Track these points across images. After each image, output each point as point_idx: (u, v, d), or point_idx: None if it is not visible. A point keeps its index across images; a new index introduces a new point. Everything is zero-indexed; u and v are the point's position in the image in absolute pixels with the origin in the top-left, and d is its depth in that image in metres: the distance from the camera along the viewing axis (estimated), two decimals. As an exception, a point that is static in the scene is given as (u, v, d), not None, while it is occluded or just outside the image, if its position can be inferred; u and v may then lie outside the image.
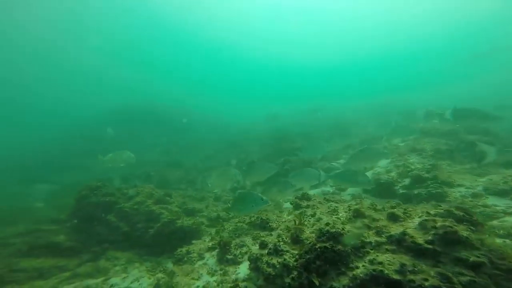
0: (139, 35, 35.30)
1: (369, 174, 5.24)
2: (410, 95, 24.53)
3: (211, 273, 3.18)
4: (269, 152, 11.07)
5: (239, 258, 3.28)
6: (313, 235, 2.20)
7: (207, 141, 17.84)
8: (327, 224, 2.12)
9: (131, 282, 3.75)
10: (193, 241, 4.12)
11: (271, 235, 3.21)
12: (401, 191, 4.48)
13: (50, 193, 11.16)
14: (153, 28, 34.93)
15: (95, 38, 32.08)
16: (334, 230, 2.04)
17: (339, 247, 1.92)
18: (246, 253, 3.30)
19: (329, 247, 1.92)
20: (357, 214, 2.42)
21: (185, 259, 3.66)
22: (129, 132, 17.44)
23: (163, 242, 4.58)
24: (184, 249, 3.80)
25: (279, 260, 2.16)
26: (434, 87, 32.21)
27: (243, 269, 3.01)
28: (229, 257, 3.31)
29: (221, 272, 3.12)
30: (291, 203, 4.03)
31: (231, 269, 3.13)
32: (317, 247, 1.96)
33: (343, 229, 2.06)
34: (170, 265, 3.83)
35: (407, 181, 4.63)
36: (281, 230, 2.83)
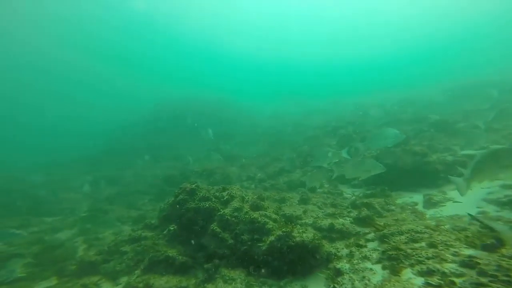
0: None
1: None
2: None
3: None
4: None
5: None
6: None
7: (252, 137, 17.66)
8: None
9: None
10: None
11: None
12: None
13: (117, 193, 11.83)
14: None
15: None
16: None
17: None
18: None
19: None
20: None
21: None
22: (174, 133, 17.89)
23: (279, 260, 3.95)
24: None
25: None
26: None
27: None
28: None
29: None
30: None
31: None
32: None
33: None
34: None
35: None
36: None
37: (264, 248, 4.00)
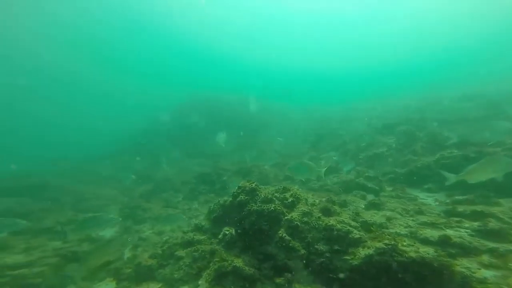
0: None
1: None
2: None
3: None
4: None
5: None
6: None
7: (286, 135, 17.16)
8: None
9: None
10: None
11: None
12: None
13: (151, 190, 11.79)
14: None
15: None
16: None
17: None
18: None
19: None
20: None
21: None
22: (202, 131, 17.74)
23: (376, 279, 3.37)
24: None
25: None
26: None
27: None
28: None
29: None
30: None
31: None
32: None
33: None
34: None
35: None
36: None
37: (355, 263, 3.43)
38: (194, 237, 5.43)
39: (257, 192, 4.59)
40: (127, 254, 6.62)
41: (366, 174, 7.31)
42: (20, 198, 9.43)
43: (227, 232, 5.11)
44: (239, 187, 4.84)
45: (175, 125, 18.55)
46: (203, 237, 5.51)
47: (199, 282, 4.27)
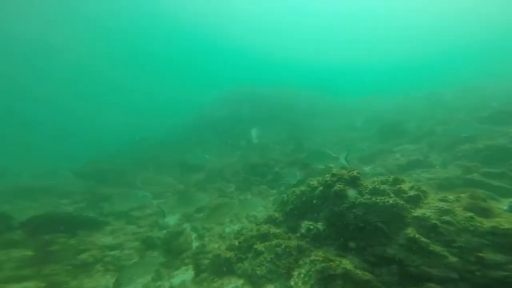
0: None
1: None
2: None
3: None
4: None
5: None
6: None
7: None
8: None
9: None
10: None
11: None
12: None
13: (204, 180, 11.92)
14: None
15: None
16: None
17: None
18: None
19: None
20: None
21: None
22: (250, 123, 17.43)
23: None
24: None
25: None
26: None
27: None
28: None
29: None
30: None
31: None
32: None
33: None
34: None
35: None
36: None
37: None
38: (270, 230, 4.92)
39: (360, 182, 3.76)
40: (195, 243, 6.59)
41: (484, 170, 5.80)
42: (95, 182, 10.46)
43: (311, 227, 4.47)
44: (334, 175, 4.07)
45: (221, 117, 18.68)
46: (278, 230, 4.98)
47: (291, 283, 3.72)
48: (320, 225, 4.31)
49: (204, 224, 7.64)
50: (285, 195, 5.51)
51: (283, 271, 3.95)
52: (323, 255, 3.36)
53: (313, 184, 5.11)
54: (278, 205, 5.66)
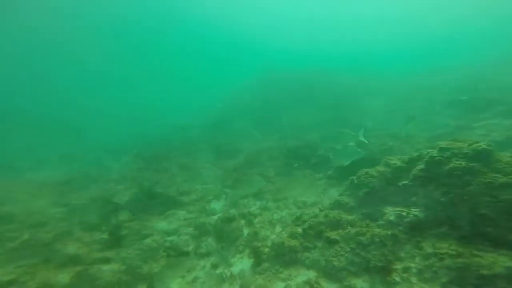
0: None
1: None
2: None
3: None
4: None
5: None
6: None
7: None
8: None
9: None
10: None
11: None
12: None
13: (243, 164, 11.53)
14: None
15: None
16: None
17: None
18: None
19: None
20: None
21: None
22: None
23: None
24: None
25: None
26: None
27: None
28: None
29: None
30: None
31: None
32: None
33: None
34: None
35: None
36: None
37: None
38: (341, 216, 4.15)
39: (496, 157, 2.70)
40: (245, 229, 6.20)
41: None
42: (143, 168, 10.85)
43: (403, 213, 3.57)
44: (442, 149, 3.07)
45: (255, 101, 18.00)
46: (351, 217, 4.18)
47: (395, 278, 2.92)
48: (416, 212, 3.39)
49: (249, 209, 7.21)
50: (353, 178, 4.64)
51: (378, 264, 3.18)
52: (454, 248, 2.48)
53: (394, 164, 4.13)
54: (345, 189, 4.84)
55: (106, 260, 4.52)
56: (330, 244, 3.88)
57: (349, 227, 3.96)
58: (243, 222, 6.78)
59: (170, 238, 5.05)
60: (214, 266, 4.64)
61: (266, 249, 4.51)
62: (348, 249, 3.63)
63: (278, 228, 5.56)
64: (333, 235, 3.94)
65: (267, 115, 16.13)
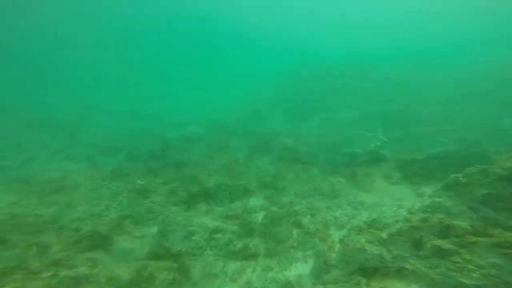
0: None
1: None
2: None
3: None
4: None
5: None
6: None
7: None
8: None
9: None
10: None
11: None
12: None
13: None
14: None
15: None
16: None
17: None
18: None
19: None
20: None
21: None
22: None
23: None
24: None
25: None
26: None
27: None
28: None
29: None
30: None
31: None
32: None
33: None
34: None
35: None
36: None
37: None
38: (450, 222, 3.06)
39: None
40: (295, 234, 5.26)
41: None
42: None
43: None
44: None
45: (290, 94, 17.18)
46: (463, 223, 3.07)
47: None
48: None
49: (293, 208, 6.27)
50: (459, 176, 3.52)
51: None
52: None
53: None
54: (441, 189, 3.72)
55: (159, 257, 4.07)
56: (442, 254, 2.84)
57: (465, 235, 2.88)
58: (289, 223, 5.87)
59: (216, 236, 4.41)
60: (264, 270, 3.81)
61: (333, 254, 3.57)
62: (484, 264, 2.55)
63: (343, 231, 4.56)
64: (443, 243, 2.88)
65: (309, 107, 14.97)
